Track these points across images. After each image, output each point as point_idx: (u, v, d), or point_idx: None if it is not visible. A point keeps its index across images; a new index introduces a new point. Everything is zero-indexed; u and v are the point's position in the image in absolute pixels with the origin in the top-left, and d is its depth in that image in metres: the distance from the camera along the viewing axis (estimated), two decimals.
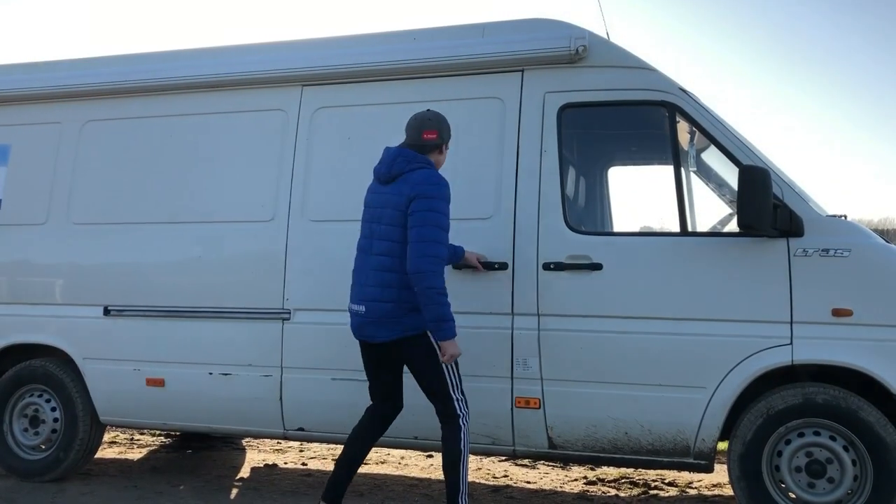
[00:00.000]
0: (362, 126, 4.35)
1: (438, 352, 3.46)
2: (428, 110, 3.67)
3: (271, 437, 4.65)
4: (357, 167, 4.21)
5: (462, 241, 3.97)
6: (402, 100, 4.24)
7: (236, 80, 4.57)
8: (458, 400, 3.54)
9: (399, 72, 4.30)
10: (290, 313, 4.30)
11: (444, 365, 3.49)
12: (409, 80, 4.30)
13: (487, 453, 4.46)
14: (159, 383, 4.49)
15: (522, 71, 4.14)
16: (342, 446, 3.77)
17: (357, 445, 3.69)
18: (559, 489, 4.80)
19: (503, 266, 3.96)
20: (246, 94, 4.59)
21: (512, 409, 3.97)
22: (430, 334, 3.48)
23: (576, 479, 5.02)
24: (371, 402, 3.77)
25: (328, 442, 4.57)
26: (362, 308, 3.52)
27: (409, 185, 3.40)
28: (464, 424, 3.52)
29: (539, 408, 3.91)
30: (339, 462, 3.68)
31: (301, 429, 4.33)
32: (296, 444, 5.92)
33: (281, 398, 4.30)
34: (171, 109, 4.71)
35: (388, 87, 4.34)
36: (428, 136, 3.55)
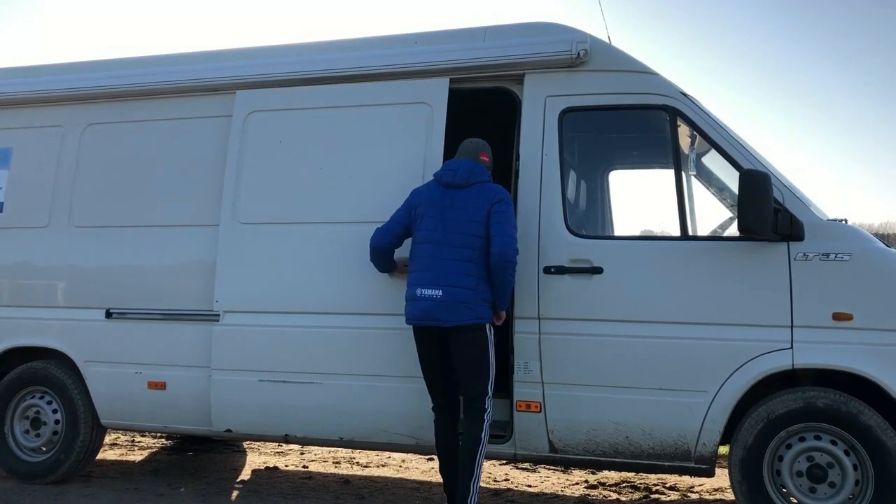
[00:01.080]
0: (295, 130, 4.43)
1: (491, 331, 3.79)
2: (479, 139, 4.02)
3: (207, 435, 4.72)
4: (288, 170, 4.35)
5: None
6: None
7: (223, 85, 4.63)
8: (489, 398, 3.77)
9: (398, 75, 4.31)
10: (219, 315, 4.35)
11: (490, 362, 3.76)
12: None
13: (487, 456, 4.46)
14: (161, 386, 4.49)
15: (524, 75, 4.15)
16: (340, 448, 3.81)
17: (448, 456, 3.88)
18: (560, 493, 4.80)
19: None
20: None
21: (512, 412, 3.97)
22: (487, 328, 3.76)
23: (577, 483, 5.01)
24: (435, 412, 3.90)
25: (257, 440, 4.68)
26: (439, 292, 3.68)
27: (491, 192, 3.78)
28: (487, 420, 3.74)
29: (540, 411, 3.91)
30: (442, 472, 3.93)
31: (229, 430, 4.40)
32: (297, 447, 5.92)
33: (210, 398, 4.37)
34: (172, 113, 4.72)
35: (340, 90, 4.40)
36: (483, 157, 3.96)
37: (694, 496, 4.76)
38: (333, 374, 4.16)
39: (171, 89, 4.72)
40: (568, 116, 4.06)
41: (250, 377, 4.29)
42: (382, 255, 3.97)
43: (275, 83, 4.51)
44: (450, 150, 4.14)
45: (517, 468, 5.37)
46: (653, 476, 5.02)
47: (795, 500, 3.59)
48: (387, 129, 4.26)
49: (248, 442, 6.08)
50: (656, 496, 4.76)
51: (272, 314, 4.28)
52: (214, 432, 4.45)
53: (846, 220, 3.77)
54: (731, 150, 3.80)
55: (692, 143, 4.19)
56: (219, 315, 4.37)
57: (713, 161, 4.19)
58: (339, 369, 4.16)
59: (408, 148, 4.20)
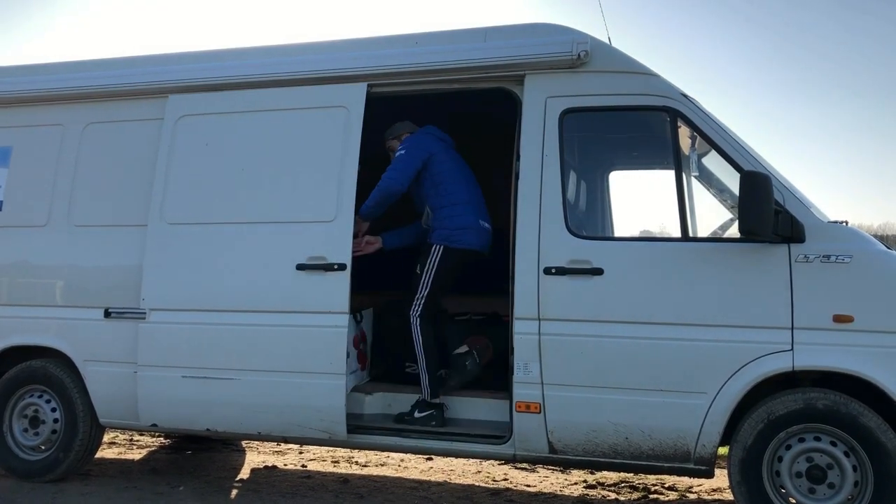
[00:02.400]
0: (220, 133, 4.54)
1: None
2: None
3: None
4: (212, 172, 4.48)
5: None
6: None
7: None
8: None
9: (397, 75, 4.31)
10: (145, 313, 4.44)
11: None
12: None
13: (487, 457, 4.46)
14: None
15: (524, 75, 4.14)
16: (340, 448, 3.85)
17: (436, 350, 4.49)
18: (559, 493, 4.80)
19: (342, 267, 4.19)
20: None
21: (512, 412, 3.97)
22: None
23: (575, 483, 5.02)
24: (422, 319, 4.42)
25: (181, 433, 4.87)
26: (488, 226, 4.59)
27: None
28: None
29: (539, 412, 3.91)
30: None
31: (154, 424, 4.50)
32: (295, 446, 5.92)
33: (136, 394, 4.47)
34: (172, 111, 4.72)
35: (261, 94, 4.52)
36: None
37: (693, 496, 4.76)
38: (251, 371, 4.28)
39: (169, 88, 4.71)
40: (568, 117, 4.05)
41: (174, 373, 4.39)
42: (393, 198, 4.42)
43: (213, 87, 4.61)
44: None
45: (516, 468, 5.37)
46: (651, 476, 5.02)
47: (794, 501, 3.59)
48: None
49: (247, 441, 6.08)
50: (655, 496, 4.76)
51: (195, 312, 4.39)
52: (142, 426, 4.57)
53: (847, 222, 3.78)
54: (732, 152, 3.81)
55: (693, 145, 4.19)
56: (145, 313, 4.46)
57: (714, 162, 4.19)
58: (256, 365, 4.27)
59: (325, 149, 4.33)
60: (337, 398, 4.16)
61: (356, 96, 4.33)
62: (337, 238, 4.20)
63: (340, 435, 4.20)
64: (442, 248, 4.43)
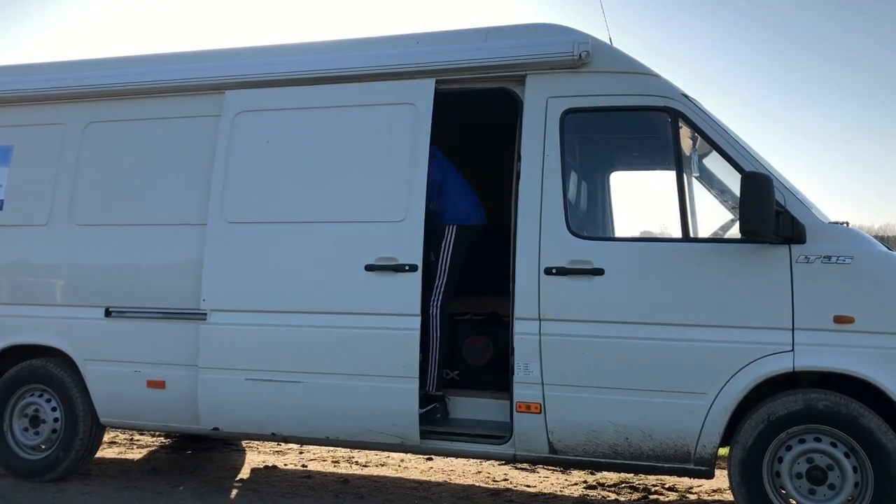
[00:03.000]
0: (282, 130, 4.45)
1: None
2: None
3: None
4: (274, 170, 4.39)
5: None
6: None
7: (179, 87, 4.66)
8: None
9: (399, 75, 4.31)
10: (206, 314, 4.35)
11: None
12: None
13: (487, 457, 4.46)
14: (160, 385, 4.49)
15: (525, 75, 4.14)
16: (340, 448, 3.83)
17: None
18: (559, 493, 4.80)
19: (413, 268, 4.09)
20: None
21: (512, 413, 3.97)
22: None
23: (576, 484, 5.02)
24: None
25: (243, 439, 4.69)
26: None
27: None
28: None
29: (540, 412, 3.91)
30: None
31: (216, 428, 4.41)
32: (295, 445, 5.92)
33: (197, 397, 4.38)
34: (173, 111, 4.72)
35: (324, 91, 4.43)
36: None
37: (693, 497, 4.76)
38: (318, 373, 4.19)
39: (171, 88, 4.71)
40: (569, 117, 4.05)
41: (237, 376, 4.30)
42: None
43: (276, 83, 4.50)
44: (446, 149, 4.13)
45: (516, 468, 5.37)
46: (651, 477, 5.02)
47: (794, 502, 3.59)
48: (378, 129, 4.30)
49: (247, 441, 6.08)
50: (655, 497, 4.76)
51: (259, 313, 4.30)
52: (202, 430, 4.47)
53: (847, 223, 3.78)
54: (733, 153, 3.81)
55: (693, 145, 4.19)
56: (205, 314, 4.37)
57: (714, 163, 4.19)
58: (324, 368, 4.18)
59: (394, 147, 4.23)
60: (410, 402, 4.03)
61: (424, 92, 4.24)
62: (407, 238, 4.09)
63: (413, 440, 4.08)
64: (455, 227, 4.47)
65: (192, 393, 4.42)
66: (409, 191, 4.14)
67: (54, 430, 4.77)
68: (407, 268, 4.06)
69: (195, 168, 4.59)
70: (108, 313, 4.60)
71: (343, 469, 5.39)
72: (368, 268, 4.12)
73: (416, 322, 4.05)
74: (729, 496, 4.25)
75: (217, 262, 4.39)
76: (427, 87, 4.21)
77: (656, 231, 4.38)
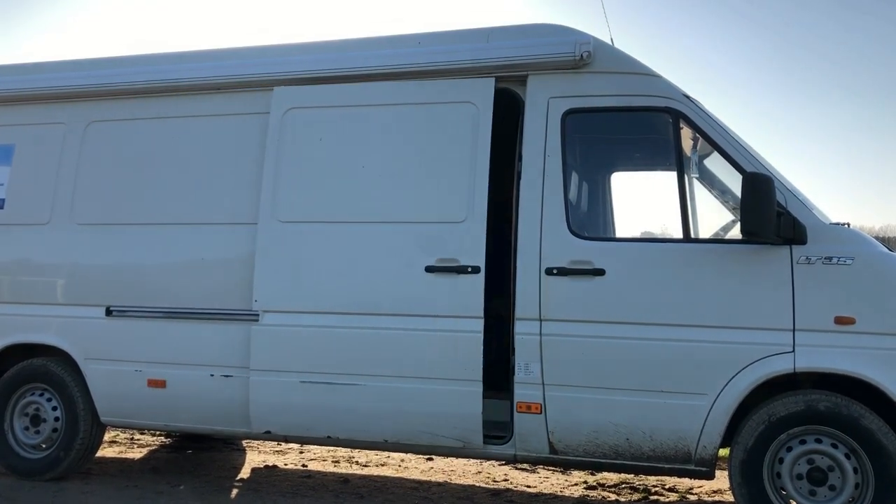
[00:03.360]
0: (335, 127, 4.38)
1: None
2: None
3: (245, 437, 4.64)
4: (328, 168, 4.30)
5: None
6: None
7: (227, 83, 4.60)
8: None
9: (401, 75, 4.31)
10: (258, 315, 4.31)
11: None
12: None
13: (487, 457, 4.46)
14: (161, 384, 4.49)
15: (527, 76, 4.14)
16: (341, 448, 3.81)
17: None
18: (559, 493, 4.80)
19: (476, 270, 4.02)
20: (231, 96, 4.61)
21: (513, 413, 3.97)
22: None
23: (576, 484, 5.02)
24: None
25: (297, 442, 4.62)
26: None
27: None
28: None
29: (540, 412, 3.91)
30: None
31: (268, 431, 4.35)
32: (296, 445, 5.92)
33: (248, 400, 4.31)
34: (174, 111, 4.72)
35: (379, 88, 4.36)
36: None
37: (693, 498, 4.76)
38: (377, 376, 4.10)
39: (173, 87, 4.71)
40: (571, 118, 4.05)
41: (291, 378, 4.22)
42: None
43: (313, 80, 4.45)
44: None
45: (516, 468, 5.37)
46: (652, 477, 5.02)
47: (795, 503, 3.59)
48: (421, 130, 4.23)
49: (247, 440, 6.09)
50: (655, 497, 4.76)
51: (314, 314, 4.23)
52: (252, 433, 4.39)
53: (848, 224, 3.78)
54: (734, 153, 3.81)
55: (695, 146, 4.19)
56: (258, 315, 4.31)
57: (715, 163, 4.19)
58: (383, 371, 4.10)
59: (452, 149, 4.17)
60: (473, 405, 3.97)
61: (484, 92, 4.18)
62: (469, 240, 4.02)
63: (476, 443, 4.01)
64: None
65: (193, 393, 4.42)
66: (471, 191, 4.08)
67: (55, 430, 4.77)
68: (469, 269, 4.00)
69: (203, 167, 4.58)
70: (109, 312, 4.60)
71: (343, 469, 5.39)
72: (429, 269, 4.06)
73: (480, 325, 3.98)
74: (729, 497, 4.24)
75: (270, 262, 4.32)
76: (487, 87, 4.16)
77: (657, 232, 4.39)
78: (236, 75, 4.58)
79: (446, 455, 4.41)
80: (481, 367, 3.98)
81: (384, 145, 4.27)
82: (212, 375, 4.39)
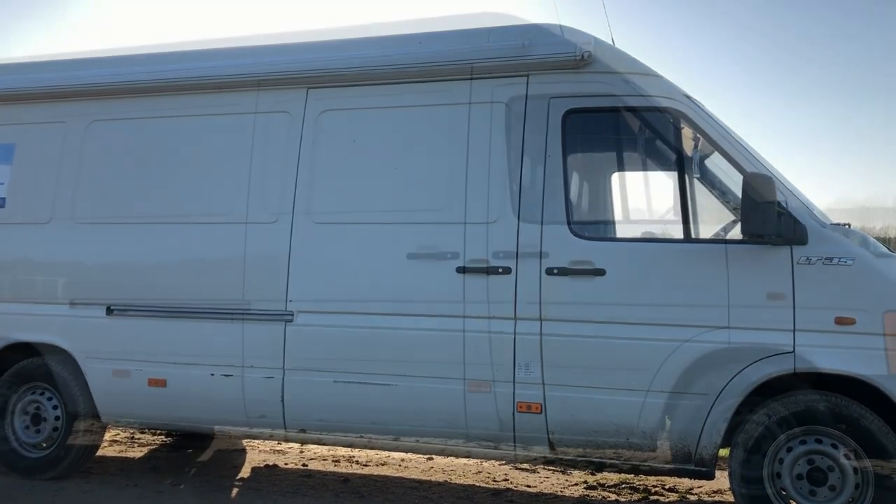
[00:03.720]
0: (367, 128, 4.36)
1: None
2: None
3: (272, 438, 4.65)
4: (361, 169, 4.28)
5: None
6: (406, 104, 4.30)
7: (240, 82, 4.58)
8: None
9: (404, 75, 4.31)
10: (293, 315, 4.30)
11: None
12: (413, 84, 4.32)
13: (488, 457, 4.46)
14: (161, 383, 4.49)
15: (528, 76, 4.14)
16: (341, 448, 3.81)
17: None
18: (559, 493, 4.80)
19: (506, 270, 3.98)
20: (249, 95, 4.59)
21: (513, 413, 3.98)
22: None
23: (576, 484, 5.02)
24: None
25: (330, 444, 4.59)
26: None
27: None
28: None
29: (541, 412, 3.92)
30: None
31: (303, 430, 4.34)
32: (296, 445, 5.92)
33: (283, 399, 4.30)
34: (176, 109, 4.72)
35: (390, 90, 4.36)
36: None
37: (693, 498, 4.76)
38: (409, 376, 4.11)
39: (174, 86, 4.71)
40: (571, 118, 4.06)
41: (325, 377, 4.23)
42: None
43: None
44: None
45: (516, 468, 5.37)
46: (652, 478, 5.02)
47: (795, 503, 3.59)
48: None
49: (247, 440, 6.08)
50: (655, 497, 4.76)
51: (348, 315, 4.23)
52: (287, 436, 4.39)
53: (849, 225, 3.78)
54: (735, 154, 3.81)
55: (695, 146, 4.19)
56: (292, 314, 4.31)
57: (716, 164, 4.19)
58: (415, 371, 4.10)
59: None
60: (505, 406, 3.97)
61: (516, 93, 4.14)
62: (500, 240, 4.01)
63: (508, 444, 4.03)
64: None
65: (193, 391, 4.42)
66: (502, 192, 4.07)
67: (55, 429, 4.78)
68: (500, 270, 4.00)
69: (205, 165, 4.58)
70: (109, 311, 4.60)
71: (343, 468, 5.39)
72: (460, 270, 4.06)
73: (510, 326, 3.97)
74: (729, 497, 4.25)
75: (304, 262, 4.32)
76: (519, 88, 4.15)
77: (658, 232, 4.38)
78: (237, 75, 4.57)
79: (477, 457, 4.40)
80: (513, 367, 3.96)
81: (417, 147, 4.27)
82: (212, 375, 4.39)
